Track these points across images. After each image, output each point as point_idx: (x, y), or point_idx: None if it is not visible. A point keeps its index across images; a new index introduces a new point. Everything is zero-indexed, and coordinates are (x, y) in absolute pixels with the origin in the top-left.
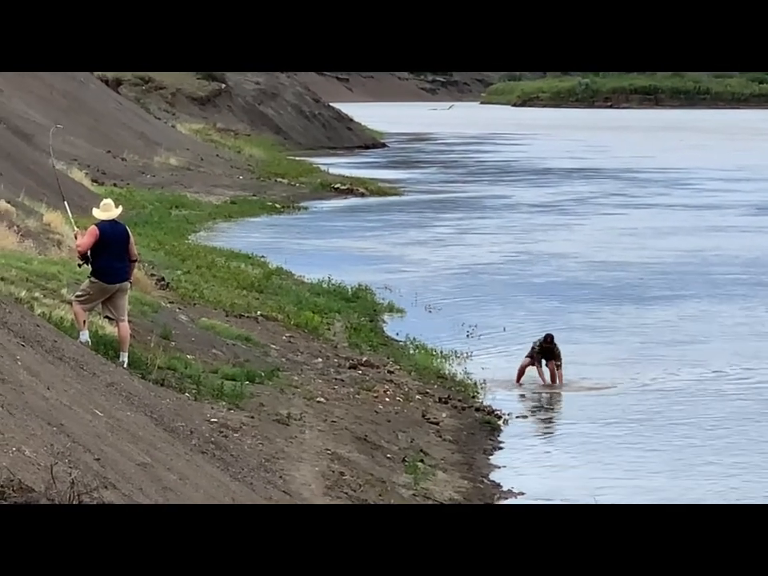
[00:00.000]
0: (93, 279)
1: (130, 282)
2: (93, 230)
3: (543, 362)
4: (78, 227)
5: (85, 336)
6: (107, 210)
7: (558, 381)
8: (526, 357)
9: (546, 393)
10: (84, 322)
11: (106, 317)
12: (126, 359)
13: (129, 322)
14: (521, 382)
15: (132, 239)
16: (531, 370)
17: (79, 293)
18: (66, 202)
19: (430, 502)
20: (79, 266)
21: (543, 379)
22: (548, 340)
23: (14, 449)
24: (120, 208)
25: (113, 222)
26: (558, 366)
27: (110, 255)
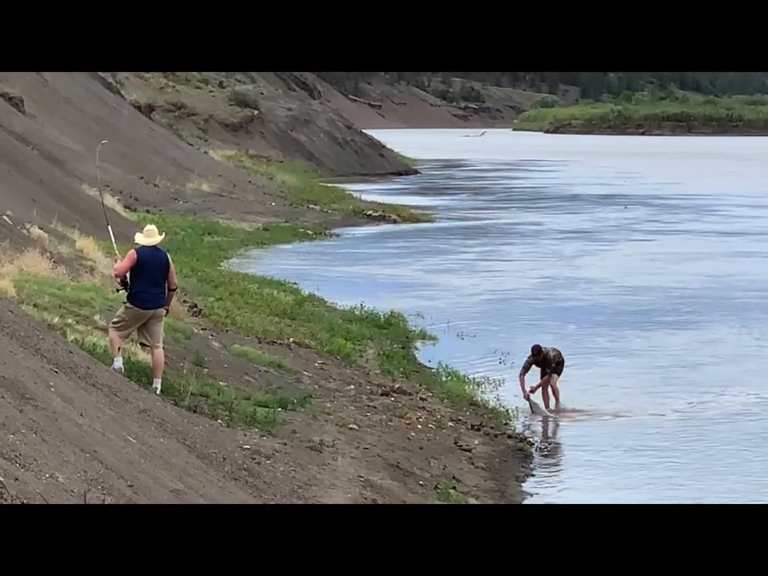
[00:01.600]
0: (128, 305)
1: (166, 309)
2: (131, 254)
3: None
4: (110, 252)
5: (118, 363)
6: (150, 237)
7: (555, 394)
8: (525, 369)
9: (579, 421)
10: (119, 348)
11: (141, 343)
12: (159, 386)
13: (162, 348)
14: (532, 392)
15: (173, 267)
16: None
17: (115, 319)
18: (109, 227)
19: None
20: (117, 290)
21: (525, 392)
22: (535, 352)
23: (47, 475)
24: (163, 235)
25: (154, 249)
26: (551, 374)
27: (146, 281)
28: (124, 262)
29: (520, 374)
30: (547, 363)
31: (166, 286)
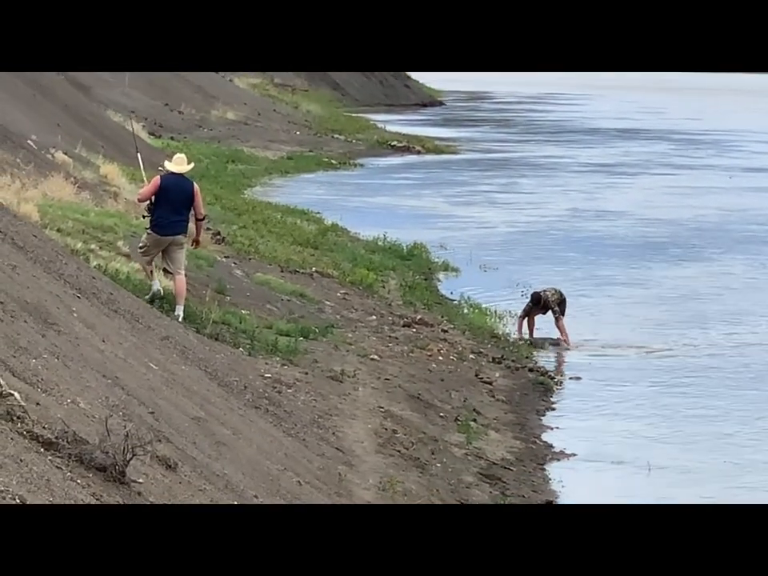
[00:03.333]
0: (149, 231)
1: (196, 241)
2: (155, 180)
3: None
4: (134, 178)
5: (156, 285)
6: (179, 165)
7: (563, 335)
8: (524, 314)
9: (600, 354)
10: (151, 272)
11: (164, 269)
12: (181, 313)
13: (185, 275)
14: (523, 333)
15: (199, 197)
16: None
17: (140, 245)
18: (139, 154)
19: (482, 462)
20: (143, 217)
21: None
22: (535, 300)
23: (68, 400)
24: (192, 164)
25: (180, 177)
26: (559, 319)
27: (167, 208)
28: (147, 187)
29: (519, 318)
30: (549, 307)
31: (191, 215)
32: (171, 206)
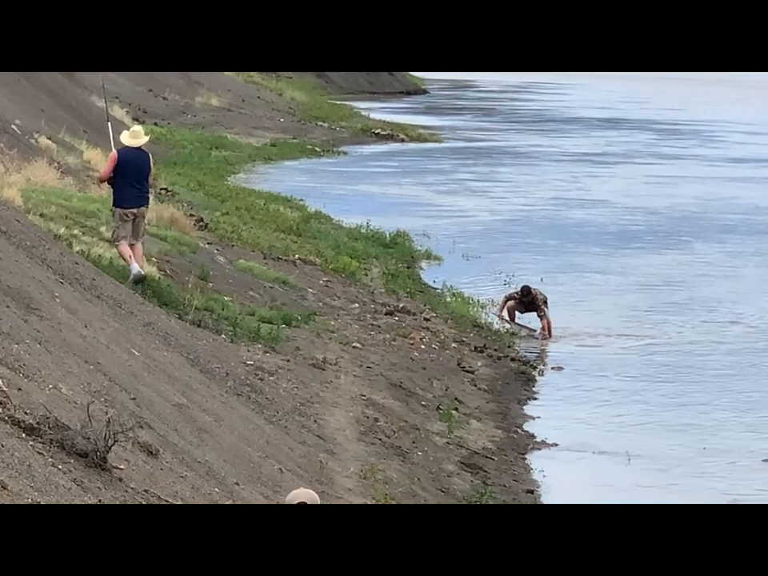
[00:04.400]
0: (112, 208)
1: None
2: (112, 155)
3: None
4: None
5: (135, 268)
6: (135, 138)
7: (546, 331)
8: (509, 298)
9: (580, 344)
10: (130, 256)
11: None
12: (139, 270)
13: (167, 261)
14: (502, 316)
15: (152, 170)
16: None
17: (112, 231)
18: (109, 123)
19: (464, 451)
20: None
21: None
22: (524, 293)
23: (50, 386)
24: (147, 137)
25: (138, 150)
26: (542, 316)
27: (128, 181)
28: (107, 164)
29: (499, 309)
30: (536, 305)
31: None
32: (132, 179)
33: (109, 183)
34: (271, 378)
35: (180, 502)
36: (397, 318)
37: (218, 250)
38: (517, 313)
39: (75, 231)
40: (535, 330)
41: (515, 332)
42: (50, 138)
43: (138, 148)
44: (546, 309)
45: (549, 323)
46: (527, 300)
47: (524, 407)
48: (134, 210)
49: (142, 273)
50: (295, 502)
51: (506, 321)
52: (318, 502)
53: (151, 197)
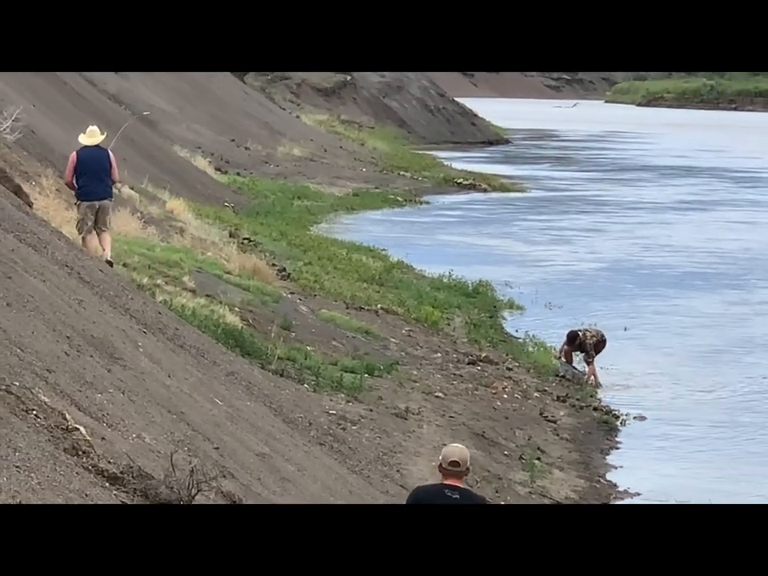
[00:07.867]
0: (76, 202)
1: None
2: (72, 157)
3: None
4: (200, 214)
5: (106, 256)
6: (92, 137)
7: (591, 376)
8: (561, 349)
9: (663, 392)
10: (95, 248)
11: (96, 231)
12: (109, 258)
13: (250, 311)
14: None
15: (114, 162)
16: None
17: (77, 225)
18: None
19: (546, 500)
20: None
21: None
22: (570, 339)
23: (134, 435)
24: (104, 135)
25: (95, 148)
26: (589, 363)
27: (89, 177)
28: (68, 166)
29: (559, 352)
30: (584, 348)
31: (109, 180)
32: (92, 175)
33: (69, 186)
34: (354, 427)
35: None
36: (479, 368)
37: (300, 299)
38: (573, 355)
39: (158, 281)
40: (584, 375)
41: (563, 375)
42: (132, 188)
43: (96, 146)
44: (593, 354)
45: (592, 371)
46: (575, 345)
47: (606, 456)
48: (98, 204)
49: (110, 259)
50: (448, 461)
51: (563, 363)
52: (468, 458)
53: (233, 246)
